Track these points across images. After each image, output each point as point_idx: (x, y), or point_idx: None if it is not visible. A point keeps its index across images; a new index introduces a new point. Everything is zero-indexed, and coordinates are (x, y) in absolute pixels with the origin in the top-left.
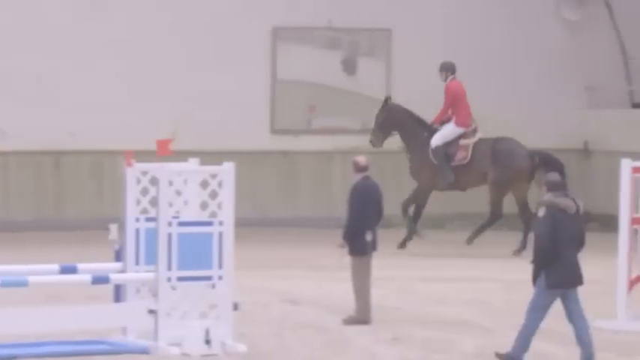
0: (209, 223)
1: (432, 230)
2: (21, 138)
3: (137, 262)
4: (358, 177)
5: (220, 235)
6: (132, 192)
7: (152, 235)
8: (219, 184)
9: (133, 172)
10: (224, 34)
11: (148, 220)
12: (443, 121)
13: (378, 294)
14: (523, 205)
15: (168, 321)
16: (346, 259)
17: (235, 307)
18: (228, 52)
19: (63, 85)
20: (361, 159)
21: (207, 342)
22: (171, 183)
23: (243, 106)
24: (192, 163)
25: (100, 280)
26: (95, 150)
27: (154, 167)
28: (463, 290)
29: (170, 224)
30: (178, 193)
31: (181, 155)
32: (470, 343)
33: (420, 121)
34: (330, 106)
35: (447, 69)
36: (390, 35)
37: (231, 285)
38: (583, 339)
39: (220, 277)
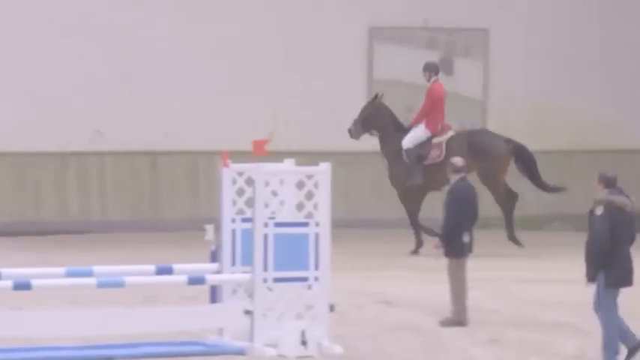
0: (305, 224)
1: (529, 232)
2: (117, 139)
3: (233, 263)
4: (455, 178)
5: (316, 236)
6: (228, 192)
7: (248, 236)
8: (316, 185)
9: (229, 173)
10: (321, 34)
11: (244, 220)
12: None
13: (474, 295)
14: (498, 195)
15: (265, 322)
16: (442, 261)
17: (331, 308)
18: (325, 52)
19: (159, 86)
20: (458, 160)
21: (304, 343)
22: (267, 183)
23: (340, 106)
24: (289, 164)
25: (196, 280)
26: (191, 150)
27: (250, 168)
28: (559, 291)
29: (266, 225)
30: (274, 193)
31: (277, 156)
32: (567, 345)
33: (400, 128)
34: None
35: (431, 70)
36: (487, 35)
37: (327, 286)
38: (624, 328)
39: (316, 279)
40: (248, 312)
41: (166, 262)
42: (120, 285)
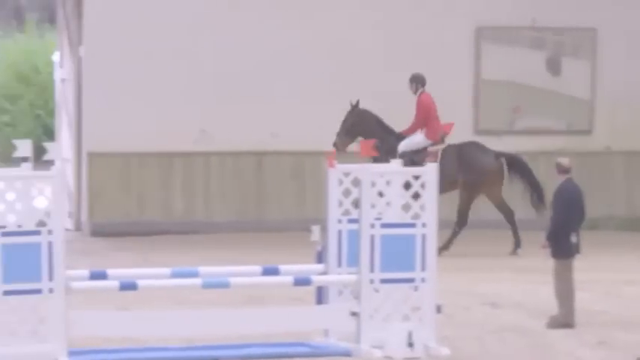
0: (412, 225)
1: (636, 233)
2: (223, 138)
3: (339, 264)
4: (561, 178)
5: (423, 237)
6: (334, 193)
7: (354, 237)
8: (422, 186)
9: (335, 173)
10: (427, 34)
11: (350, 221)
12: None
13: (581, 297)
14: (501, 206)
15: (371, 323)
16: (549, 262)
17: (438, 309)
18: (431, 52)
19: (266, 86)
20: (565, 160)
21: (410, 345)
22: (373, 184)
23: (447, 106)
24: (395, 164)
25: (302, 281)
26: (297, 151)
27: (356, 168)
28: None
29: (373, 226)
30: (381, 194)
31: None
32: None
33: (388, 129)
34: (534, 106)
35: (418, 81)
36: (595, 35)
37: (434, 287)
38: None
39: (423, 280)
40: (354, 313)
41: (272, 262)
42: (225, 286)
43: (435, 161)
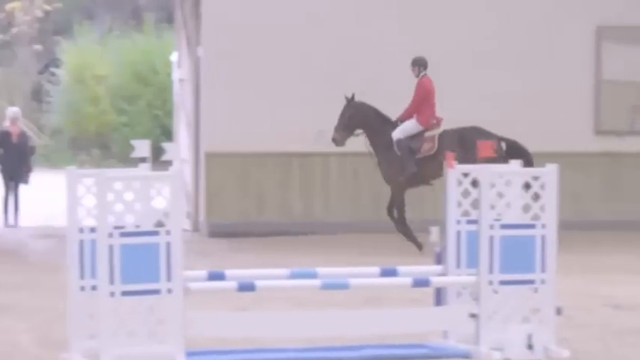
0: (532, 226)
1: None
2: None
3: (458, 265)
4: None
5: (543, 238)
6: (453, 194)
7: (473, 238)
8: (542, 186)
9: (454, 174)
10: (547, 33)
11: (469, 222)
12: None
13: None
14: None
15: (490, 325)
16: None
17: (558, 311)
18: (551, 51)
19: (382, 86)
20: None
21: (530, 347)
22: (493, 185)
23: (566, 106)
24: (515, 165)
25: (420, 283)
26: None
27: (475, 169)
28: None
29: (492, 227)
30: (500, 195)
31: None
32: None
33: (386, 120)
34: None
35: (420, 64)
36: None
37: (553, 289)
38: None
39: (543, 281)
40: (473, 315)
41: (390, 264)
42: (344, 287)
43: (433, 147)
